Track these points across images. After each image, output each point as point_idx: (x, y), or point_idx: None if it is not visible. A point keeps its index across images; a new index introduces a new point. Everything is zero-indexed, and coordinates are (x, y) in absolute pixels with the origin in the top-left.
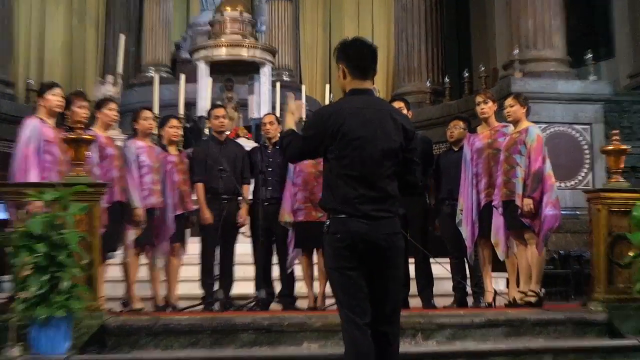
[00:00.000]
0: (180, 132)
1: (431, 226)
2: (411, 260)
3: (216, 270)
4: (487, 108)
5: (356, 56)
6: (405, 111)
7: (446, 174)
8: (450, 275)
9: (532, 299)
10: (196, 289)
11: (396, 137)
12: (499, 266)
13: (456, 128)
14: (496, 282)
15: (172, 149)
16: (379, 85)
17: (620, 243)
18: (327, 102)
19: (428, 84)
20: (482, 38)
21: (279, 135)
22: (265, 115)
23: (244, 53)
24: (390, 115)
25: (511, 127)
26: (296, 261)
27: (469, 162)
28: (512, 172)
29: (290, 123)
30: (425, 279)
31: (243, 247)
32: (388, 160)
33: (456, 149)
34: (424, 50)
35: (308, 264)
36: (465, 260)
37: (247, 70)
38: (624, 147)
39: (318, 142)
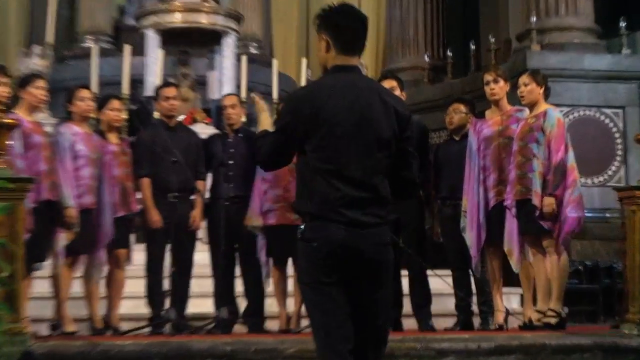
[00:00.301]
0: (124, 115)
1: (429, 231)
2: (404, 272)
3: (167, 285)
4: (497, 88)
5: (343, 26)
6: (398, 91)
7: (446, 168)
8: (452, 291)
9: (552, 320)
10: (142, 308)
11: (388, 123)
12: (511, 280)
13: (456, 113)
14: (508, 300)
15: (113, 137)
16: (367, 61)
17: None
18: (303, 79)
19: (426, 58)
20: (493, 3)
21: (242, 120)
22: (226, 96)
23: (203, 20)
24: (380, 97)
25: (527, 112)
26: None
27: (475, 154)
28: (528, 165)
29: (266, 123)
30: (422, 296)
31: (201, 256)
32: (379, 152)
33: (457, 138)
34: (421, 17)
35: (281, 277)
36: (471, 273)
37: (207, 40)
38: None
39: (293, 131)
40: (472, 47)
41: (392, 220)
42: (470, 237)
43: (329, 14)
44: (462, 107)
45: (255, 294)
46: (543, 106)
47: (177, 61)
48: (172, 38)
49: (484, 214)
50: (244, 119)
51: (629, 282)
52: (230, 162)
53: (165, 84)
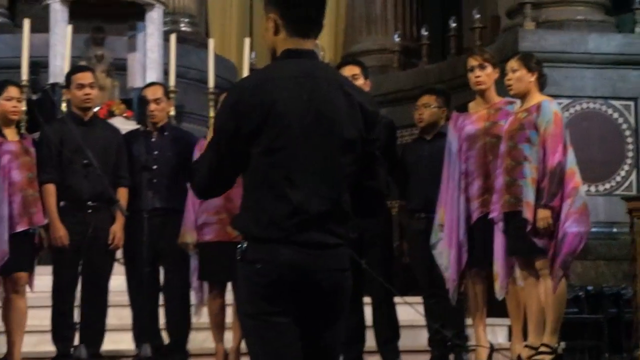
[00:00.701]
0: (23, 106)
1: (398, 250)
2: (367, 300)
3: (77, 316)
4: (484, 76)
5: (294, 3)
6: (361, 80)
7: (416, 174)
8: (424, 322)
9: (547, 358)
10: (47, 345)
11: (353, 122)
12: (497, 309)
13: (427, 107)
14: (493, 332)
15: (10, 133)
16: (325, 42)
17: None
18: (246, 64)
19: (397, 39)
20: None
21: (170, 116)
22: (149, 86)
23: None
24: (343, 90)
25: (519, 104)
26: (201, 302)
27: (456, 156)
28: (518, 170)
29: None
30: (389, 328)
31: (120, 281)
32: (342, 156)
33: (429, 138)
34: None
35: (217, 305)
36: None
37: (127, 15)
38: None
39: (235, 134)
40: (453, 25)
41: (353, 239)
42: (446, 257)
43: None
44: (434, 100)
45: (183, 325)
46: (537, 98)
47: (89, 40)
48: (83, 11)
49: (465, 229)
50: (172, 112)
51: None
52: (154, 166)
53: (79, 68)
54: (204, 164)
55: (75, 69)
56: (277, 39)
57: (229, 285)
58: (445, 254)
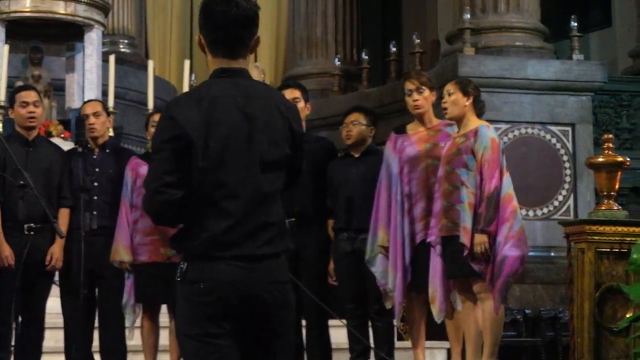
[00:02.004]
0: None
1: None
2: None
3: (13, 339)
4: (421, 99)
5: (216, 23)
6: (302, 103)
7: (343, 192)
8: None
9: None
10: None
11: (285, 138)
12: (436, 332)
13: (355, 125)
14: (432, 355)
15: None
16: (265, 65)
17: (613, 299)
18: (185, 86)
19: (337, 62)
20: None
21: (110, 133)
22: (88, 102)
23: (60, 9)
24: (278, 109)
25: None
26: (137, 323)
27: (397, 178)
28: (455, 194)
29: None
30: (321, 350)
31: (57, 303)
32: (273, 172)
33: (357, 155)
34: (331, 12)
35: (151, 327)
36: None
37: (65, 35)
38: (620, 159)
39: (179, 154)
40: (393, 49)
41: (292, 250)
42: (393, 280)
43: (202, 6)
44: (363, 118)
45: (117, 349)
46: (474, 123)
47: (27, 60)
48: (20, 31)
49: (410, 251)
50: (111, 132)
51: (577, 334)
52: (95, 184)
53: (23, 87)
54: (148, 182)
55: (19, 87)
56: (207, 59)
57: (163, 307)
58: (391, 276)
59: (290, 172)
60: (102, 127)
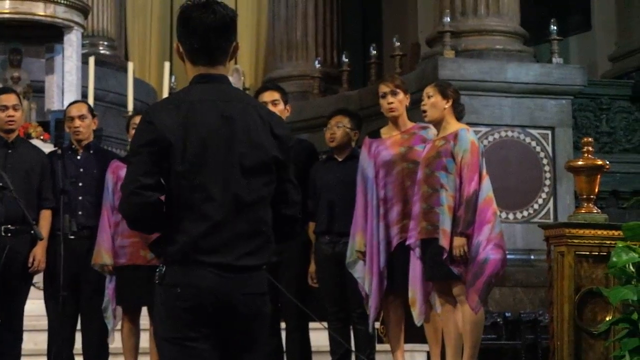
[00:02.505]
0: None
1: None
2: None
3: None
4: (396, 102)
5: (193, 31)
6: (281, 106)
7: (326, 196)
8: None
9: None
10: None
11: (269, 145)
12: (416, 334)
13: (339, 127)
14: (412, 358)
15: None
16: (245, 68)
17: (593, 302)
18: (166, 88)
19: (317, 65)
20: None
21: (93, 135)
22: (73, 104)
23: (40, 10)
24: (259, 114)
25: (432, 130)
26: (118, 326)
27: (372, 182)
28: (435, 197)
29: None
30: (301, 353)
31: (37, 306)
32: (258, 177)
33: (340, 159)
34: (311, 14)
35: (131, 330)
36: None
37: (45, 37)
38: (600, 162)
39: (157, 158)
40: (373, 52)
41: (273, 263)
42: (369, 284)
43: (180, 14)
44: (347, 122)
45: (96, 351)
46: (454, 126)
47: (6, 62)
48: None
49: (385, 257)
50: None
51: (557, 337)
52: (80, 184)
53: (2, 89)
54: (127, 187)
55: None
56: (186, 66)
57: (144, 310)
58: (367, 281)
59: (279, 181)
60: (87, 130)
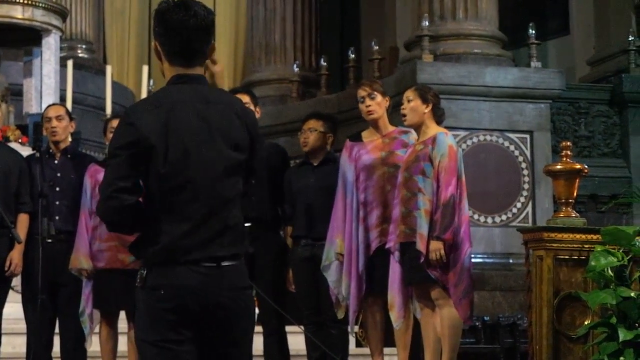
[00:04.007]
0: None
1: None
2: (258, 329)
3: None
4: (374, 105)
5: (173, 32)
6: (251, 108)
7: (302, 199)
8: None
9: None
10: None
11: (244, 143)
12: (390, 335)
13: (312, 132)
14: None
15: None
16: (225, 70)
17: (572, 306)
18: (144, 91)
19: (296, 68)
20: (377, 3)
21: (70, 138)
22: (50, 106)
23: (17, 13)
24: (236, 113)
25: (413, 134)
26: (95, 330)
27: (352, 186)
28: (413, 201)
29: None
30: (280, 357)
31: (15, 309)
32: (233, 176)
33: (315, 163)
34: (290, 17)
35: (109, 333)
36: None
37: (23, 40)
38: (578, 166)
39: (135, 161)
40: (352, 55)
41: (249, 254)
42: (347, 288)
43: (158, 13)
44: (320, 125)
45: (74, 354)
46: (432, 129)
47: None
48: None
49: (364, 260)
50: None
51: (535, 341)
52: (57, 189)
53: None
54: (105, 190)
55: None
56: (163, 66)
57: (122, 313)
58: (345, 284)
59: (246, 176)
60: (64, 132)
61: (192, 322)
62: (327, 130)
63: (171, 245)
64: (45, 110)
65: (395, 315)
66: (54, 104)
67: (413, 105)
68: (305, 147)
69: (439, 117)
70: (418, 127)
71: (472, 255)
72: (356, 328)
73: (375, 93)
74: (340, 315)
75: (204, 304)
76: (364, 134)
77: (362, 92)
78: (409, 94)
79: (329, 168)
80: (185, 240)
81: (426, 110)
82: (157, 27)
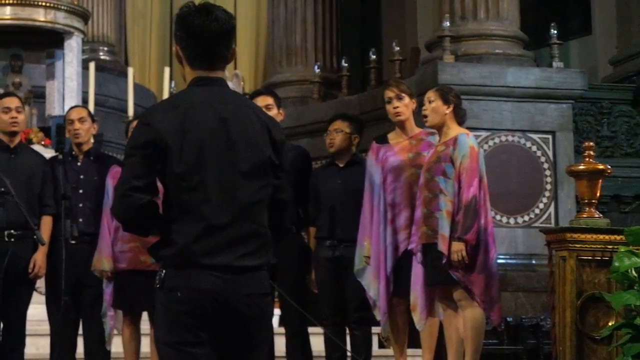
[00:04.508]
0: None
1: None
2: (281, 330)
3: None
4: (402, 106)
5: (195, 37)
6: (274, 110)
7: (327, 201)
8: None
9: None
10: None
11: (265, 146)
12: (415, 337)
13: (338, 132)
14: None
15: None
16: (245, 73)
17: (595, 307)
18: (165, 93)
19: (317, 70)
20: (398, 4)
21: (93, 140)
22: (72, 109)
23: (40, 16)
24: (257, 117)
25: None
26: (115, 331)
27: (379, 187)
28: (435, 202)
29: None
30: (303, 358)
31: (39, 310)
32: (255, 180)
33: (341, 165)
34: (311, 19)
35: (132, 334)
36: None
37: (45, 42)
38: (601, 166)
39: (148, 155)
40: (373, 56)
41: (273, 264)
42: (376, 290)
43: (180, 17)
44: (346, 126)
45: (98, 357)
46: (454, 130)
47: (7, 67)
48: (0, 38)
49: (392, 261)
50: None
51: (559, 343)
52: (80, 191)
53: (5, 93)
54: (119, 188)
55: (1, 94)
56: (185, 70)
57: (144, 314)
58: (374, 286)
59: (274, 179)
60: (87, 134)
61: (210, 325)
62: (353, 131)
63: (186, 246)
64: (67, 113)
65: (417, 317)
66: (76, 106)
67: (434, 106)
68: (332, 147)
69: (460, 117)
70: (439, 128)
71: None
72: (380, 330)
73: (403, 94)
74: (379, 316)
75: (221, 308)
76: (390, 136)
77: (389, 93)
78: (430, 94)
79: (355, 170)
80: (201, 243)
81: (447, 111)
82: (178, 32)
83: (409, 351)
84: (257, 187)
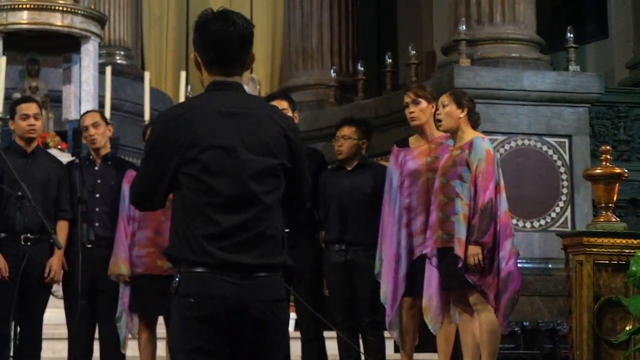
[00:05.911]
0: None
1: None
2: (297, 334)
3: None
4: (418, 111)
5: (213, 43)
6: (289, 114)
7: (335, 205)
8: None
9: None
10: None
11: (280, 149)
12: (431, 342)
13: (346, 139)
14: None
15: None
16: (261, 76)
17: (612, 311)
18: (182, 97)
19: (333, 73)
20: (414, 7)
21: (110, 144)
22: (87, 113)
23: (57, 21)
24: (272, 119)
25: None
26: (131, 335)
27: (397, 190)
28: (450, 206)
29: None
30: None
31: (55, 314)
32: (267, 182)
33: (350, 169)
34: (327, 23)
35: (148, 338)
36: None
37: (62, 47)
38: (618, 170)
39: (165, 157)
40: (389, 60)
41: (289, 266)
42: (385, 291)
43: (198, 24)
44: (354, 132)
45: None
46: (469, 135)
47: (24, 72)
48: (18, 42)
49: (406, 264)
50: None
51: (576, 347)
52: (97, 195)
53: (24, 98)
54: (139, 177)
55: (20, 99)
56: (203, 76)
57: (160, 319)
58: (383, 288)
59: (292, 183)
60: (103, 137)
61: (224, 332)
62: (360, 137)
63: (199, 249)
64: (81, 119)
65: (431, 320)
66: (88, 111)
67: (448, 111)
68: (340, 155)
69: (474, 121)
70: (454, 132)
71: None
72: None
73: (420, 99)
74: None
75: (235, 315)
76: (411, 140)
77: (406, 99)
78: (444, 99)
79: (363, 172)
80: (213, 245)
81: (461, 115)
82: (197, 39)
83: (425, 356)
84: (268, 189)
